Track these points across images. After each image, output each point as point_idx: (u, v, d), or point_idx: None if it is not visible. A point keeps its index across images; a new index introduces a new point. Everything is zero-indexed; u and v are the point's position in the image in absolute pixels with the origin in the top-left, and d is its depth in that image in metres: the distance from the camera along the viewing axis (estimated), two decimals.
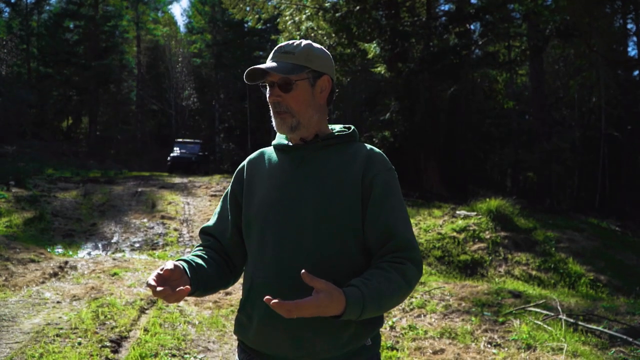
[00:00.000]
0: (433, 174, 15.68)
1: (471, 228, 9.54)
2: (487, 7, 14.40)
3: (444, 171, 16.30)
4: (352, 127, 1.59)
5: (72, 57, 31.95)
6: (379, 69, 15.24)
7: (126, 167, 24.70)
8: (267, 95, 1.52)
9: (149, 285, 1.29)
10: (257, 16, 17.48)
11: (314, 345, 1.41)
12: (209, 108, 34.46)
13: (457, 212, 10.58)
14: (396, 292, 1.36)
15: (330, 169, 1.48)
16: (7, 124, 25.08)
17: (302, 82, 1.49)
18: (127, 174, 19.85)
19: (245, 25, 32.44)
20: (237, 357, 1.58)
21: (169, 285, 1.30)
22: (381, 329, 4.73)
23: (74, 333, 4.11)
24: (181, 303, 5.37)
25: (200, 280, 1.44)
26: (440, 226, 9.91)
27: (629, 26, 22.78)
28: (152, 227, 10.48)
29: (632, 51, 33.63)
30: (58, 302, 5.11)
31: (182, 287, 1.28)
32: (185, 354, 4.00)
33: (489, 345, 4.27)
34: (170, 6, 39.86)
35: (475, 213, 10.18)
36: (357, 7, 15.36)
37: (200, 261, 1.51)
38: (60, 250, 8.33)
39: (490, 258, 8.67)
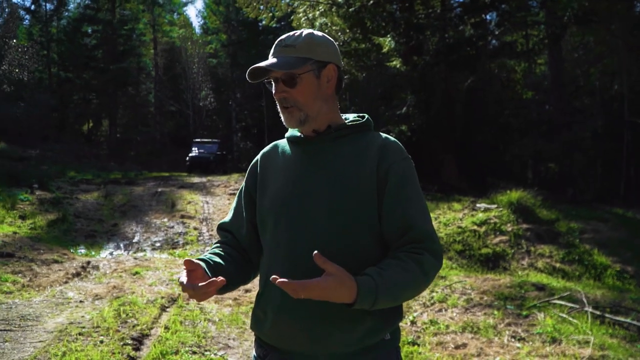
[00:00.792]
0: (451, 167, 15.52)
1: (492, 221, 9.41)
2: None
3: (462, 164, 16.10)
4: (366, 116, 1.55)
5: (91, 61, 32.43)
6: (394, 62, 15.09)
7: (146, 168, 24.98)
8: (273, 92, 1.49)
9: (181, 284, 1.30)
10: (270, 14, 17.48)
11: (329, 339, 1.37)
12: (225, 107, 34.65)
13: (477, 205, 10.45)
14: (412, 282, 1.33)
15: (344, 160, 1.44)
16: (30, 128, 25.51)
17: (307, 74, 1.45)
18: (147, 175, 20.07)
19: (260, 24, 32.50)
20: (254, 352, 1.57)
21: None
22: (401, 324, 4.69)
23: (96, 331, 4.15)
24: None
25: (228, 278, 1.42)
26: (460, 220, 9.79)
27: None
28: (172, 227, 10.56)
29: None
30: (81, 301, 5.17)
31: (214, 279, 1.28)
32: (206, 350, 4.01)
33: (513, 339, 4.20)
34: (185, 8, 40.18)
35: (495, 205, 10.04)
36: (371, 1, 15.24)
37: (218, 259, 1.49)
38: (82, 251, 8.44)
39: (513, 251, 8.54)
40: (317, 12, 15.94)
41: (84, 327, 4.26)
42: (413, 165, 1.47)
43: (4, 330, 4.14)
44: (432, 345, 4.20)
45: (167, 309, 5.04)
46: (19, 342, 3.91)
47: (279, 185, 1.49)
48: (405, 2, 15.33)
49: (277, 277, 1.20)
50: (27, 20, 35.88)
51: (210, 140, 26.44)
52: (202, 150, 23.80)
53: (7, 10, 30.95)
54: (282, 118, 1.49)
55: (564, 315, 4.46)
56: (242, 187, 1.64)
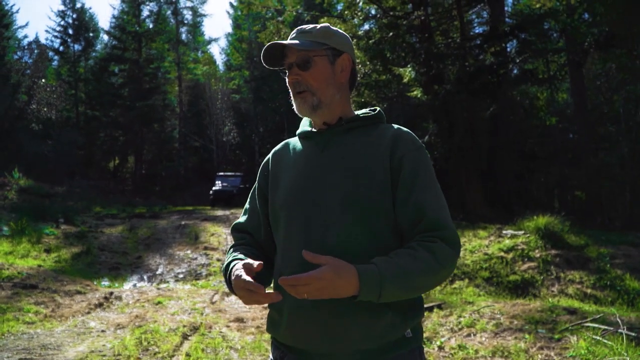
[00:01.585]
0: (476, 195, 15.31)
1: (519, 247, 9.19)
2: (522, 24, 14.21)
3: (487, 192, 15.89)
4: (378, 109, 1.53)
5: (117, 99, 33.32)
6: (415, 92, 15.15)
7: (170, 202, 25.23)
8: (287, 80, 1.48)
9: (244, 281, 1.29)
10: None
11: (346, 336, 1.31)
12: (248, 142, 35.07)
13: (504, 231, 10.23)
14: (423, 270, 1.26)
15: (356, 151, 1.41)
16: (57, 165, 26.15)
17: (321, 58, 1.45)
18: (171, 209, 20.25)
19: None
20: (270, 356, 1.51)
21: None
22: (429, 349, 4.54)
23: (117, 359, 4.10)
24: (223, 328, 5.32)
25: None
26: (487, 246, 9.59)
27: None
28: (196, 258, 10.57)
29: None
30: (102, 330, 5.14)
31: (271, 292, 1.29)
32: None
33: None
34: (209, 46, 41.22)
35: (522, 232, 9.81)
36: (391, 33, 15.44)
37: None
38: (106, 283, 8.47)
39: (542, 277, 8.28)
40: None
41: (104, 355, 4.22)
42: (427, 155, 1.44)
43: (25, 358, 4.13)
44: None
45: (189, 337, 4.98)
46: None
47: (291, 180, 1.47)
48: (425, 32, 15.46)
49: (284, 277, 1.18)
50: (55, 61, 37.15)
51: (233, 173, 26.69)
52: (225, 184, 24.00)
53: (36, 51, 32.15)
54: (295, 106, 1.48)
55: (598, 338, 4.27)
56: (254, 188, 1.62)
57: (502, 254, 9.17)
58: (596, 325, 4.60)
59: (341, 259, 1.23)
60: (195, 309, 6.21)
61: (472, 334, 4.85)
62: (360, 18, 16.34)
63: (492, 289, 8.14)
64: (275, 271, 1.51)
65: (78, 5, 35.89)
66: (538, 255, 8.90)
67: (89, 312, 6.00)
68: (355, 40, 15.89)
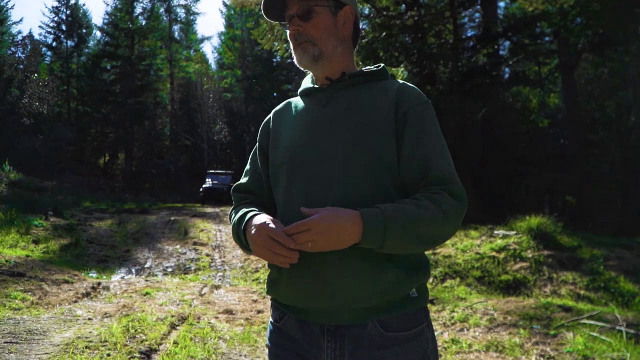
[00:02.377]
0: (468, 196, 15.30)
1: (511, 247, 9.15)
2: (515, 26, 14.23)
3: (478, 194, 15.88)
4: (382, 65, 1.47)
5: (109, 95, 33.05)
6: None
7: (160, 199, 25.04)
8: (287, 33, 1.41)
9: (275, 231, 1.21)
10: (285, 45, 17.70)
11: (349, 292, 1.24)
12: (239, 141, 34.92)
13: (495, 231, 10.20)
14: (428, 219, 1.21)
15: (360, 105, 1.35)
16: (48, 160, 25.86)
17: (322, 9, 1.38)
18: (160, 205, 20.07)
19: (274, 60, 33.03)
20: (270, 319, 1.43)
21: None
22: None
23: (104, 346, 3.99)
24: (212, 319, 5.22)
25: None
26: (478, 246, 9.54)
27: None
28: (185, 253, 10.44)
29: None
30: (89, 318, 5.02)
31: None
32: None
33: (542, 358, 3.96)
34: (201, 44, 41.02)
35: (514, 232, 9.78)
36: (384, 33, 15.41)
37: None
38: (94, 275, 8.32)
39: (534, 277, 8.24)
40: None
41: (91, 342, 4.10)
42: (433, 110, 1.38)
43: (10, 342, 4.01)
44: None
45: (177, 327, 4.87)
46: (24, 353, 3.77)
47: (291, 137, 1.40)
48: (418, 33, 15.45)
49: (283, 231, 1.15)
50: (48, 57, 36.83)
51: (224, 171, 26.49)
52: (215, 182, 23.83)
53: (29, 46, 31.86)
54: (295, 58, 1.42)
55: (595, 334, 4.22)
56: (255, 148, 1.55)
57: (493, 253, 9.12)
58: (593, 322, 4.56)
59: None
60: (184, 300, 6.10)
61: (465, 329, 4.79)
62: None
63: (483, 288, 8.08)
64: None
65: (72, 1, 35.63)
66: (530, 255, 8.86)
67: (76, 301, 5.87)
68: None
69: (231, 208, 1.53)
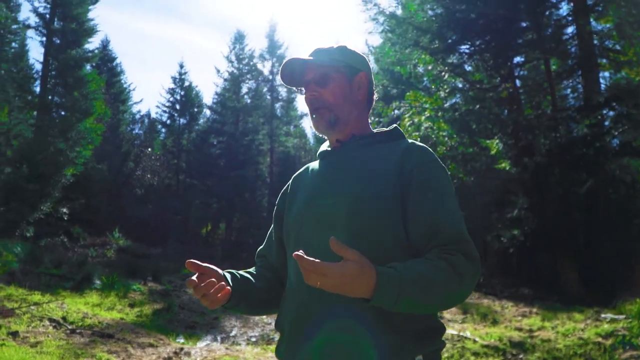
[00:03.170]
0: (571, 275, 14.15)
1: (620, 333, 8.24)
2: (619, 95, 13.52)
3: (584, 273, 14.62)
4: (395, 125, 1.48)
5: (214, 168, 35.27)
6: (503, 164, 14.67)
7: None
8: (305, 98, 1.48)
9: (190, 283, 1.34)
10: (376, 119, 18.09)
11: (346, 355, 1.21)
12: None
13: (602, 315, 9.28)
14: (443, 281, 1.16)
15: (366, 163, 1.38)
16: (155, 228, 27.75)
17: (339, 75, 1.44)
18: None
19: None
20: None
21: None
22: None
23: None
24: None
25: (243, 291, 1.38)
26: (582, 330, 8.70)
27: None
28: (270, 323, 10.50)
29: None
30: None
31: (222, 283, 1.32)
32: None
33: None
34: (301, 120, 43.04)
35: (624, 316, 8.84)
36: (477, 106, 15.29)
37: (246, 275, 1.49)
38: (181, 340, 8.58)
39: None
40: (423, 117, 16.22)
41: None
42: (442, 167, 1.35)
43: None
44: None
45: None
46: None
47: (303, 197, 1.45)
48: (513, 105, 15.15)
49: (300, 253, 1.09)
50: (163, 133, 40.42)
51: None
52: None
53: (147, 123, 35.27)
54: (312, 124, 1.48)
55: None
56: (274, 211, 1.61)
57: (599, 339, 8.26)
58: None
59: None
60: None
61: None
62: (446, 91, 16.36)
63: None
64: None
65: (186, 83, 39.27)
66: None
67: None
68: (441, 112, 15.89)
69: None
